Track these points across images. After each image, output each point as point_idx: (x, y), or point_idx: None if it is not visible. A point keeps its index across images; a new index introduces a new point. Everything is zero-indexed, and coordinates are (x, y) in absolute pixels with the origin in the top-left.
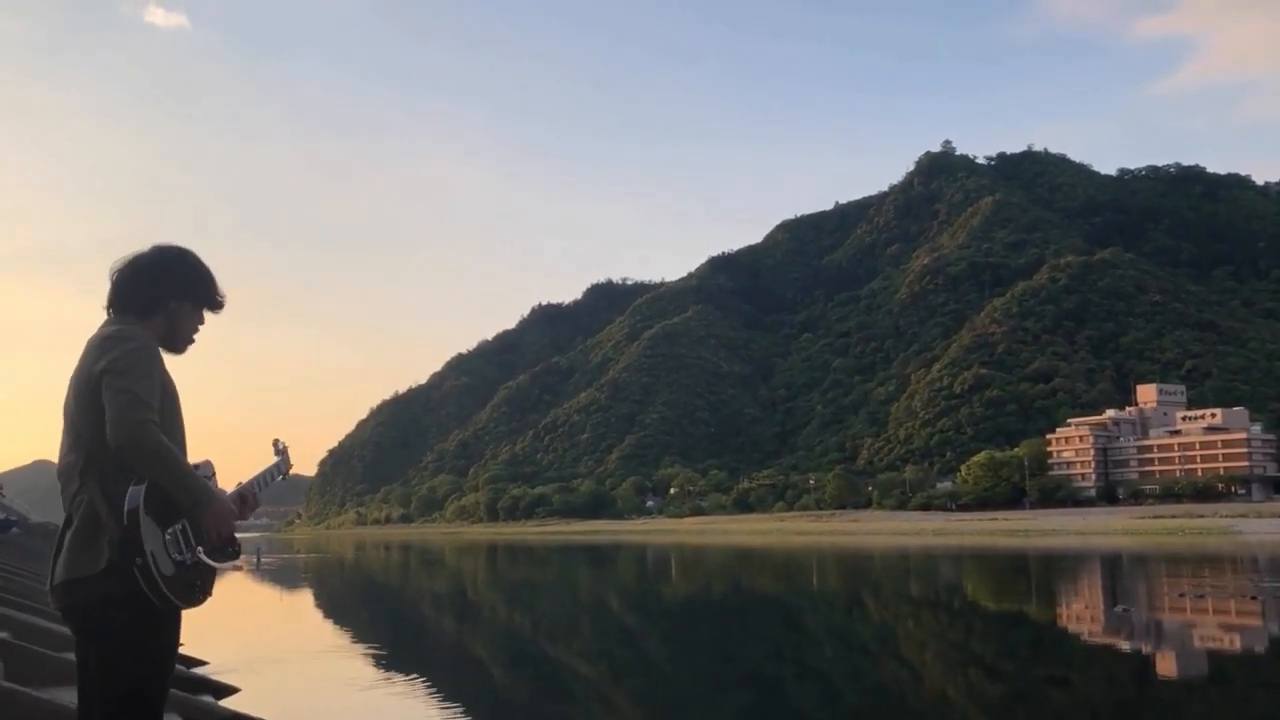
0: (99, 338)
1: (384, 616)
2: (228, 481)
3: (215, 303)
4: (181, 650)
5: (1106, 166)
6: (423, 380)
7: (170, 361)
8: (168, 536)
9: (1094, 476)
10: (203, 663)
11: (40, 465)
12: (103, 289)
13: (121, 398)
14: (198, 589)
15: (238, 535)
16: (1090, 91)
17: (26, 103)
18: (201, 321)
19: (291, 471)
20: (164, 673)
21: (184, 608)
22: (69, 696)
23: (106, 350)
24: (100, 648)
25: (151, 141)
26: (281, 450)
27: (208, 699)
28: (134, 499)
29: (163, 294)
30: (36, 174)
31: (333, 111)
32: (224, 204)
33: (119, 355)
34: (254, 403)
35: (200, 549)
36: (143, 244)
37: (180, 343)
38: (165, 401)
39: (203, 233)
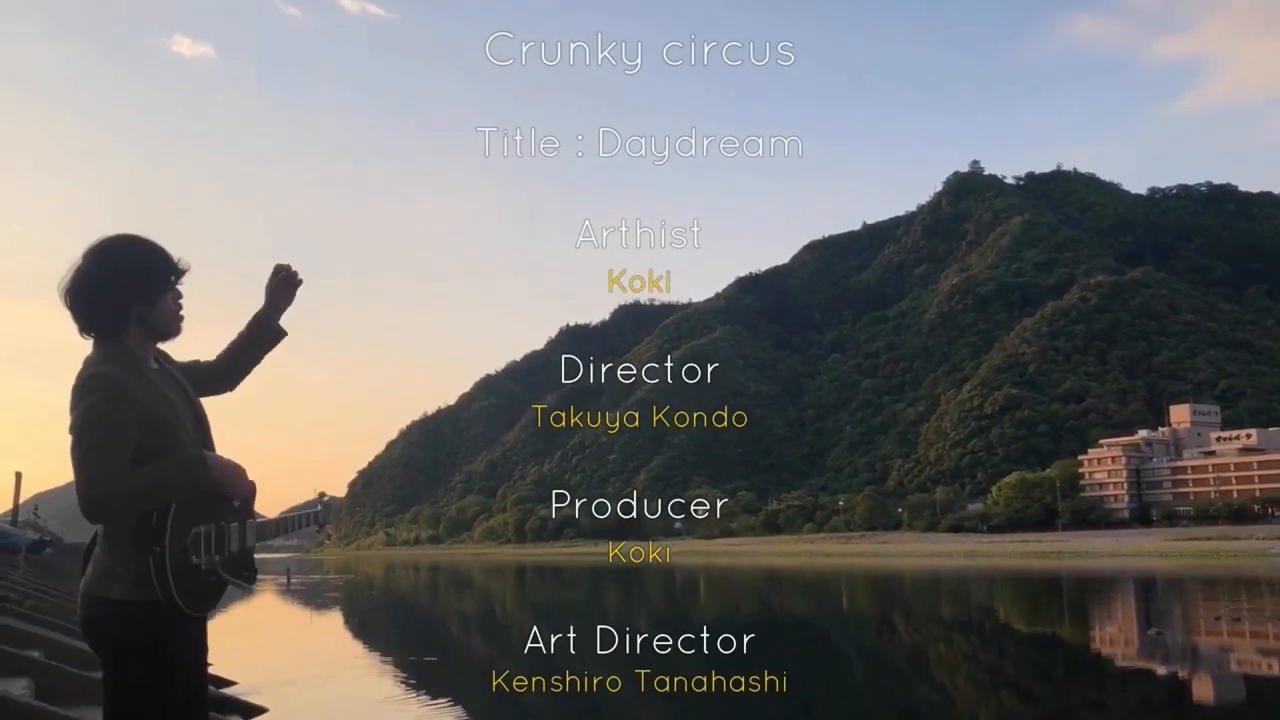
0: (75, 383)
1: (412, 637)
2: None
3: (179, 274)
4: (210, 670)
5: (1136, 185)
6: (451, 401)
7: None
8: (190, 538)
9: (1127, 498)
10: (231, 683)
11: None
12: None
13: (79, 472)
14: (203, 597)
15: (265, 556)
16: (1114, 110)
17: (62, 132)
18: (179, 295)
19: (325, 497)
20: (186, 688)
21: (186, 612)
22: (97, 715)
23: (73, 406)
24: (115, 661)
25: (179, 169)
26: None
27: (235, 719)
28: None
29: (127, 303)
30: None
31: (359, 138)
32: (250, 231)
33: (76, 419)
34: (284, 425)
35: (218, 558)
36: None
37: (171, 330)
38: (152, 423)
39: (230, 258)
